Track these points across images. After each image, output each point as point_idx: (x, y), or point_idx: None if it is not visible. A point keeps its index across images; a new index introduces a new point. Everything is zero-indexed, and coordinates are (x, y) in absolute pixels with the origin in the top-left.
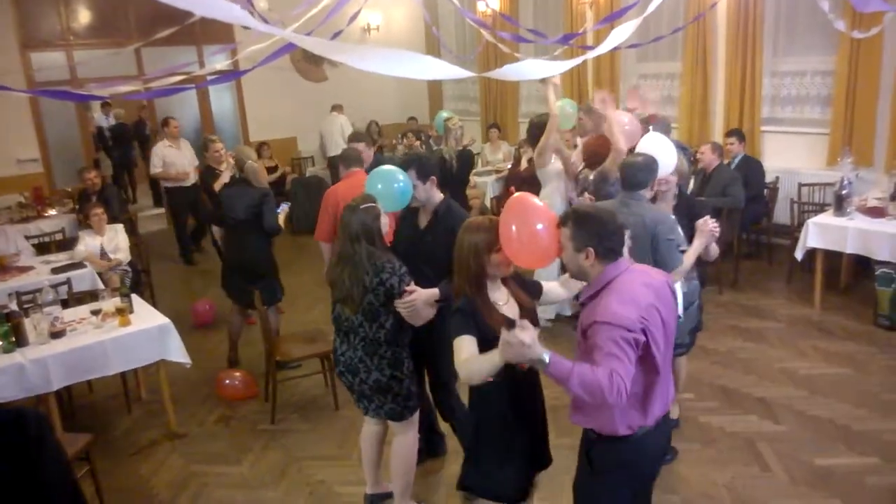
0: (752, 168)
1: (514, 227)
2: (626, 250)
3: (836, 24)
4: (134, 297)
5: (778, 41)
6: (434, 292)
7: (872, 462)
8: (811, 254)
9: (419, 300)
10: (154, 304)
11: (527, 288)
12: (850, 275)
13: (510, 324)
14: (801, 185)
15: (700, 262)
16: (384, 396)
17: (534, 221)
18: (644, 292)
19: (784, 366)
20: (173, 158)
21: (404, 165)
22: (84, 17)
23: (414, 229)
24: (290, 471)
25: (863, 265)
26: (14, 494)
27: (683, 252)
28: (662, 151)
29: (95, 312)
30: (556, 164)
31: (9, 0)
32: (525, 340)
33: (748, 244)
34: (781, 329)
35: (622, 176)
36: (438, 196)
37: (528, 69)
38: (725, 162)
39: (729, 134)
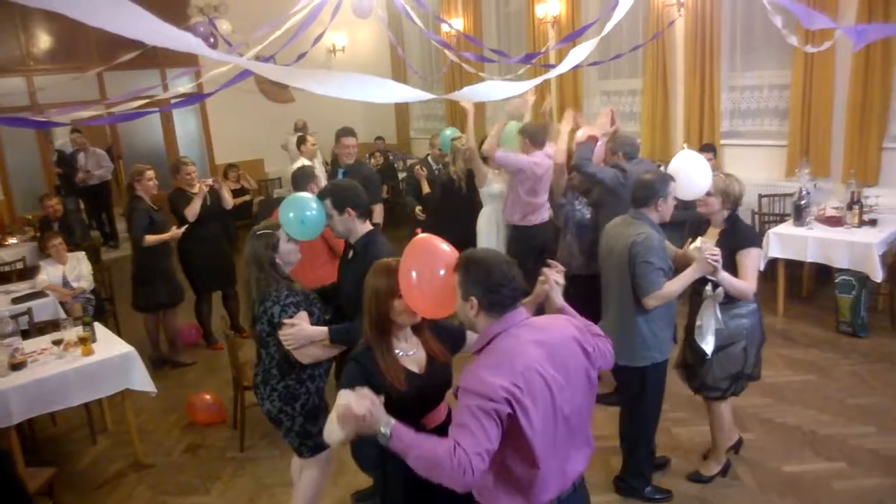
0: None
1: (413, 274)
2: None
3: (789, 40)
4: (97, 325)
5: (735, 57)
6: (321, 331)
7: (839, 467)
8: (773, 263)
9: (299, 335)
10: (118, 333)
11: (445, 338)
12: (812, 283)
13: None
14: (760, 197)
15: (728, 297)
16: (278, 428)
17: (435, 267)
18: (528, 353)
19: None
20: None
21: (321, 195)
22: (44, 41)
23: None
24: (261, 498)
25: (823, 273)
26: None
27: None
28: (691, 170)
29: (57, 342)
30: (493, 185)
31: None
32: (357, 413)
33: None
34: None
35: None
36: (362, 229)
37: (488, 90)
38: None
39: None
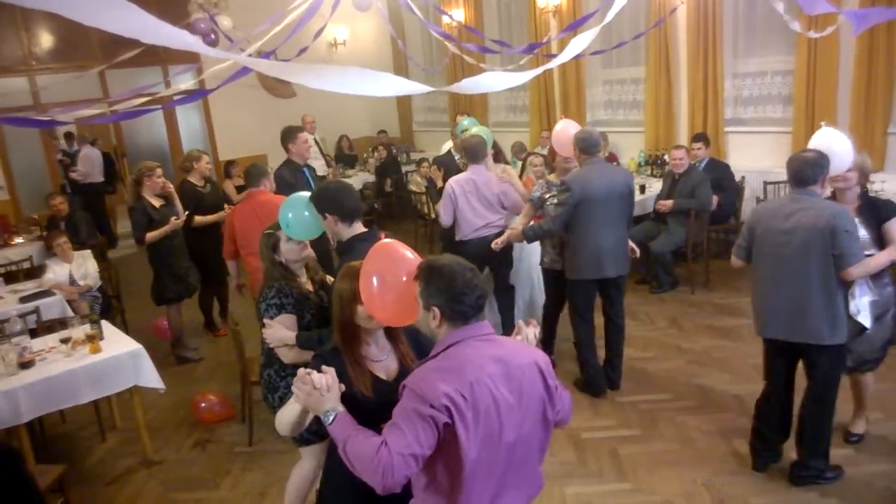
0: (721, 170)
1: (374, 280)
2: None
3: (792, 25)
4: (104, 323)
5: (737, 43)
6: (288, 336)
7: (846, 453)
8: None
9: (273, 337)
10: (126, 330)
11: (422, 348)
12: None
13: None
14: (766, 184)
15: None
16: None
17: (397, 274)
18: (483, 366)
19: (757, 362)
20: None
21: (310, 197)
22: (46, 41)
23: None
24: (271, 492)
25: None
26: None
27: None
28: (836, 146)
29: (65, 341)
30: None
31: None
32: (316, 383)
33: (718, 244)
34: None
35: (789, 172)
36: (348, 232)
37: (488, 82)
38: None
39: (696, 139)
